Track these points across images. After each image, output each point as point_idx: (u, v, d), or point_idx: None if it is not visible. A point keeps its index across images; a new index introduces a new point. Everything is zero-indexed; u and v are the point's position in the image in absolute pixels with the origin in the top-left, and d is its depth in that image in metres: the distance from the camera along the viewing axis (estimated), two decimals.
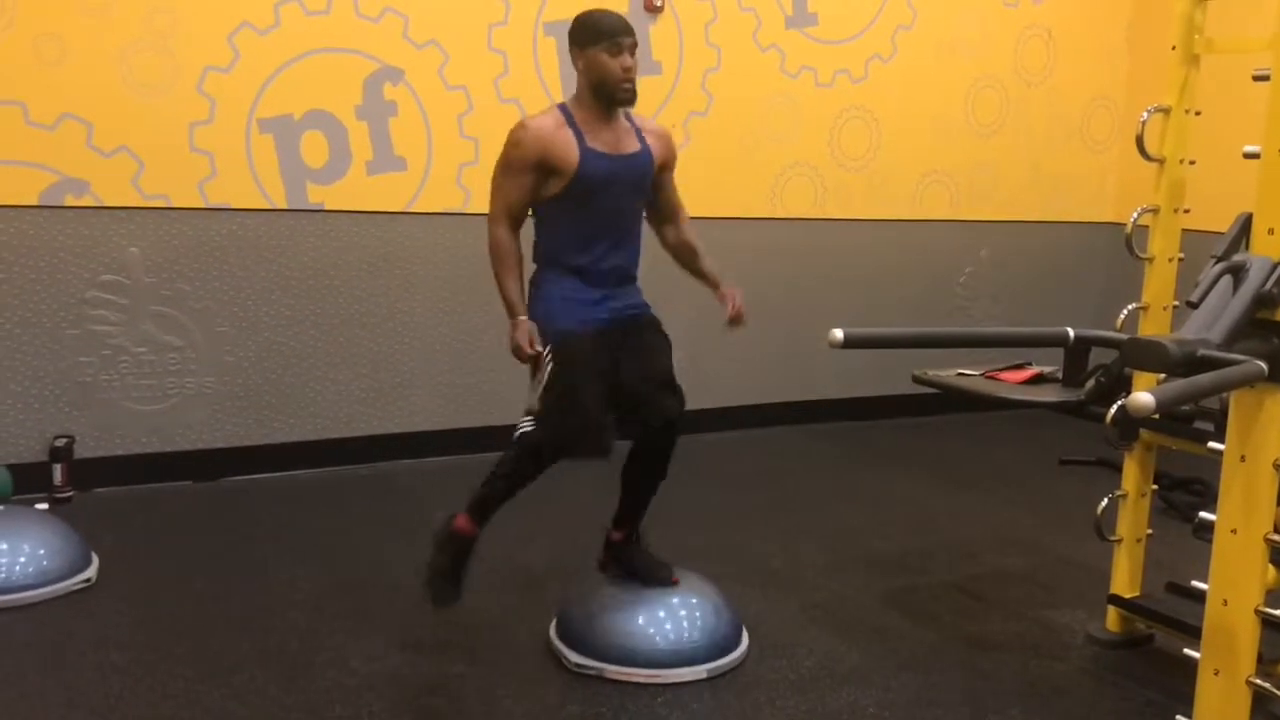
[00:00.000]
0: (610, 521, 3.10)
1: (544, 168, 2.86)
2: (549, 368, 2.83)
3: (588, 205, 2.90)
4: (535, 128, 2.85)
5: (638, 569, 3.04)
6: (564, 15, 4.69)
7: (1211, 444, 2.48)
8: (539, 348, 2.81)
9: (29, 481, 3.95)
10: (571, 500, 4.17)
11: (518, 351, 2.83)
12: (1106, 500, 3.14)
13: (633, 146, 2.95)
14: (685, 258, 3.19)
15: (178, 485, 4.28)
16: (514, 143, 2.87)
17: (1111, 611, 3.21)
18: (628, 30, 2.85)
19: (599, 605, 2.98)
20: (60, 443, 4.06)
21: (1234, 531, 2.35)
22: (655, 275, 5.09)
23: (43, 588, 3.20)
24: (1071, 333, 2.63)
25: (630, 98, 2.89)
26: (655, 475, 3.02)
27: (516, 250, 2.93)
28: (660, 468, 3.00)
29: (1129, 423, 2.85)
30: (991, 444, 5.45)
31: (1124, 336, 2.49)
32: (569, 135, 2.86)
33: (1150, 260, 3.03)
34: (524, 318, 2.86)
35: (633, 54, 2.85)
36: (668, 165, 3.08)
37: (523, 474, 2.93)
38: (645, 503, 3.08)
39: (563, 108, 2.92)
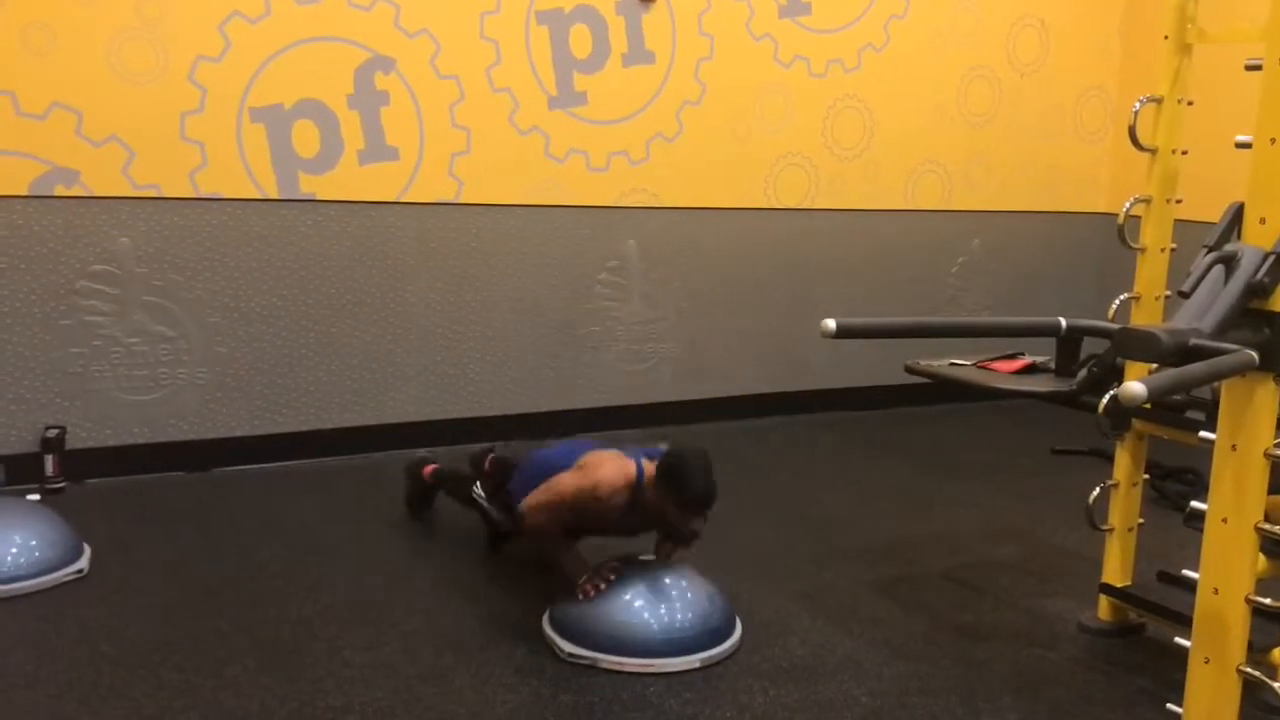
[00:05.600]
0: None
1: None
2: None
3: None
4: (609, 503, 2.98)
5: None
6: (556, 4, 4.71)
7: (1203, 433, 2.48)
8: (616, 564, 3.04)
9: (21, 472, 3.96)
10: None
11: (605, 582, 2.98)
12: (1098, 489, 3.15)
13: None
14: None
15: (170, 476, 4.27)
16: (589, 498, 2.98)
17: (1103, 600, 3.23)
18: (710, 505, 2.96)
19: None
20: (52, 433, 4.05)
21: (1225, 520, 2.36)
22: (652, 261, 5.13)
23: (35, 579, 3.20)
24: (1064, 322, 2.64)
25: (683, 544, 3.17)
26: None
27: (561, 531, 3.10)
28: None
29: (1121, 412, 2.86)
30: (984, 434, 5.46)
31: (1116, 326, 2.49)
32: (621, 513, 3.01)
33: (1142, 250, 3.03)
34: (585, 578, 3.01)
35: (704, 520, 3.01)
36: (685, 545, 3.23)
37: None
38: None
39: (639, 486, 3.00)
